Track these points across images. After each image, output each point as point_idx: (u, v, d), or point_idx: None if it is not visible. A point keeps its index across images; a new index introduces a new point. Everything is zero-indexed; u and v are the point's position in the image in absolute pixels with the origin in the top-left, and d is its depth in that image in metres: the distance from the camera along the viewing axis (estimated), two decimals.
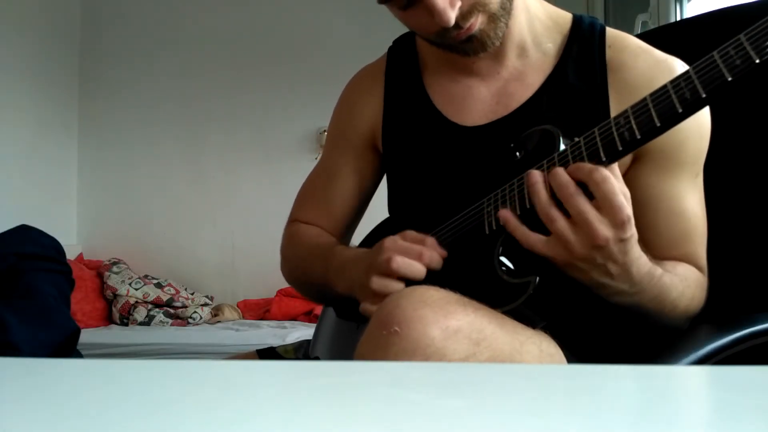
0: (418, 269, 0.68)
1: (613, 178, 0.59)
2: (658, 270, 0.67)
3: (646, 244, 0.74)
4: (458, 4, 0.69)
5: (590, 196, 0.60)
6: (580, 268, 0.62)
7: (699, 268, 0.76)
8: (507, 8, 0.74)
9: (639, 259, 0.63)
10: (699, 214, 0.76)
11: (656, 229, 0.75)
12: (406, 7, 0.72)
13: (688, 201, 0.75)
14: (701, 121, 0.74)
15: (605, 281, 0.63)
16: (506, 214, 0.65)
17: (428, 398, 0.32)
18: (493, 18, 0.73)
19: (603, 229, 0.59)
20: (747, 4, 0.90)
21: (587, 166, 0.60)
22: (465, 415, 0.29)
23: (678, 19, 2.17)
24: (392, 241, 0.71)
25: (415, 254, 0.69)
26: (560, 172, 0.61)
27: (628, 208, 0.59)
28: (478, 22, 0.72)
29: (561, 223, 0.60)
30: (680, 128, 0.70)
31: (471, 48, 0.76)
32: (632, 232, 0.60)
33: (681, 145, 0.73)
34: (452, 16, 0.69)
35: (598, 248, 0.60)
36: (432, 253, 0.69)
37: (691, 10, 2.19)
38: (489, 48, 0.76)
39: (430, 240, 0.71)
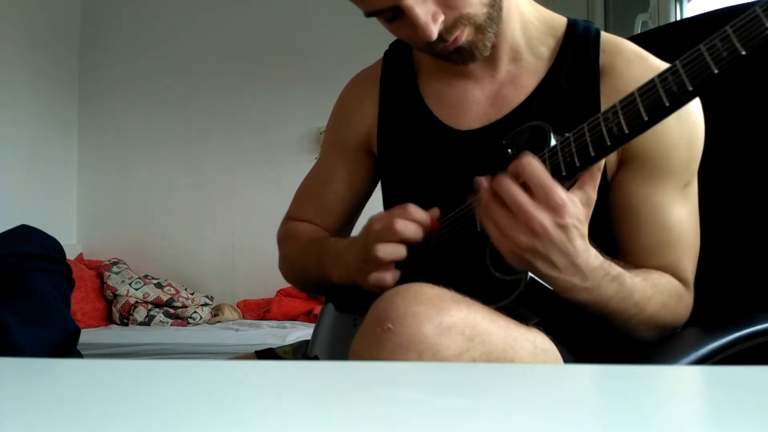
0: (414, 230, 0.70)
1: (539, 164, 0.60)
2: (615, 268, 0.66)
3: (625, 251, 0.74)
4: (441, 17, 0.69)
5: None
6: (523, 259, 0.62)
7: (680, 279, 0.74)
8: (495, 18, 0.73)
9: (586, 251, 0.63)
10: (685, 225, 0.74)
11: (636, 237, 0.74)
12: (392, 20, 0.72)
13: (672, 211, 0.74)
14: (691, 130, 0.74)
15: (553, 274, 0.62)
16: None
17: (426, 398, 0.32)
18: (480, 29, 0.73)
19: (538, 214, 0.59)
20: (747, 4, 0.90)
21: (516, 160, 0.61)
22: (463, 414, 0.29)
23: (678, 19, 2.18)
24: (376, 218, 0.72)
25: (399, 223, 0.70)
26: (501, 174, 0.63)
27: (560, 193, 0.59)
28: (464, 34, 0.72)
29: (498, 211, 0.61)
30: (667, 135, 0.70)
31: (460, 58, 0.76)
32: (572, 221, 0.60)
33: (667, 153, 0.72)
34: (434, 30, 0.69)
35: (537, 235, 0.59)
36: (416, 218, 0.71)
37: (691, 10, 2.19)
38: (478, 58, 0.76)
39: (411, 207, 0.71)
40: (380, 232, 0.70)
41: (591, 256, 0.64)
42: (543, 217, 0.59)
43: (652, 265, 0.73)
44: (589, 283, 0.64)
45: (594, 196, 0.62)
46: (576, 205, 0.61)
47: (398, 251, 0.70)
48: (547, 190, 0.59)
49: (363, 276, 0.72)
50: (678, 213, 0.74)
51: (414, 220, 0.70)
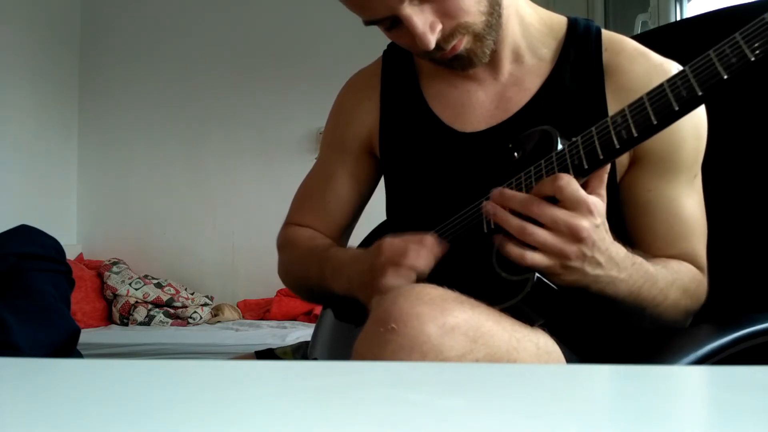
0: (425, 263, 0.69)
1: (573, 180, 0.61)
2: (636, 256, 0.68)
3: (643, 245, 0.75)
4: (439, 27, 0.70)
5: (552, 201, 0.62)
6: (574, 268, 0.62)
7: (697, 265, 0.76)
8: (493, 25, 0.73)
9: (614, 243, 0.65)
10: (697, 214, 0.77)
11: (654, 231, 0.75)
12: (390, 28, 0.73)
13: (686, 203, 0.75)
14: (697, 122, 0.74)
15: (599, 272, 0.64)
16: (501, 240, 0.65)
17: (427, 398, 0.32)
18: (478, 37, 0.73)
19: (581, 220, 0.60)
20: (746, 4, 0.90)
21: (548, 179, 0.62)
22: (464, 415, 0.29)
23: (678, 19, 2.18)
24: (389, 243, 0.70)
25: (413, 252, 0.69)
26: (509, 195, 0.64)
27: (587, 195, 0.61)
28: (463, 42, 0.72)
29: (541, 234, 0.61)
30: (677, 131, 0.70)
31: (459, 65, 0.76)
32: (603, 219, 0.62)
33: (678, 147, 0.74)
34: (432, 39, 0.70)
35: (583, 240, 0.61)
36: (429, 250, 0.70)
37: (691, 10, 2.19)
38: (478, 64, 0.76)
39: (429, 237, 0.70)
40: (391, 261, 0.69)
41: (618, 247, 0.65)
42: (584, 222, 0.60)
43: (668, 255, 0.75)
44: (625, 273, 0.66)
45: (604, 194, 0.64)
46: (598, 203, 0.62)
47: (409, 280, 0.68)
48: (581, 200, 0.61)
49: (365, 296, 0.72)
50: (689, 203, 0.76)
51: (427, 251, 0.69)
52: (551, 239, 0.61)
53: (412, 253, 0.68)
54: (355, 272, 0.75)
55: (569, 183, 0.61)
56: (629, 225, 0.77)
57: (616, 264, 0.64)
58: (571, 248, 0.61)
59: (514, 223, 0.63)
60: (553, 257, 0.61)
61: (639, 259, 0.68)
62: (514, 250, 0.63)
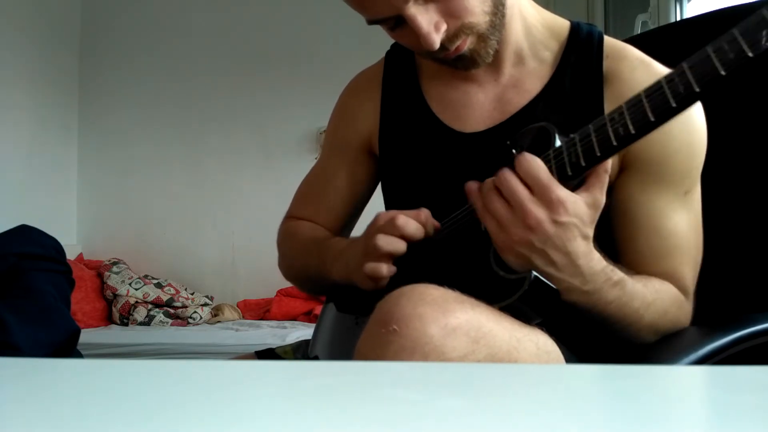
0: (414, 227, 0.70)
1: (537, 160, 0.61)
2: (617, 273, 0.66)
3: (624, 256, 0.74)
4: (443, 27, 0.70)
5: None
6: (520, 254, 0.62)
7: (680, 287, 0.74)
8: (497, 26, 0.73)
9: (589, 254, 0.63)
10: (685, 232, 0.74)
11: (635, 243, 0.74)
12: (394, 28, 0.72)
13: (670, 218, 0.73)
14: (693, 138, 0.73)
15: (550, 271, 0.62)
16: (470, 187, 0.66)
17: (427, 398, 0.32)
18: (482, 38, 0.73)
19: (534, 208, 0.60)
20: (747, 4, 0.90)
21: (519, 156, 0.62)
22: (464, 415, 0.29)
23: (678, 19, 2.18)
24: (383, 213, 0.72)
25: (403, 217, 0.70)
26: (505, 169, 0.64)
27: (558, 190, 0.60)
28: (467, 43, 0.72)
29: (496, 203, 0.62)
30: (669, 143, 0.70)
31: (462, 65, 0.76)
32: (572, 220, 0.60)
33: (668, 159, 0.72)
34: (437, 39, 0.69)
35: (532, 229, 0.60)
36: (417, 216, 0.71)
37: (691, 10, 2.19)
38: (481, 65, 0.76)
39: (424, 211, 0.71)
40: (382, 226, 0.71)
41: (593, 260, 0.64)
42: (539, 212, 0.60)
43: (650, 272, 0.73)
44: (590, 286, 0.64)
45: (602, 198, 0.62)
46: (578, 205, 0.61)
47: (398, 245, 0.70)
48: (543, 187, 0.60)
49: (360, 270, 0.72)
50: (676, 220, 0.74)
51: (418, 220, 0.70)
52: (501, 212, 0.62)
53: (402, 218, 0.69)
54: (352, 255, 0.75)
55: (526, 161, 0.61)
56: (614, 233, 0.76)
57: (580, 274, 0.63)
58: (516, 230, 0.61)
59: (485, 186, 0.64)
60: (500, 233, 0.62)
61: (618, 277, 0.66)
62: (480, 208, 0.64)
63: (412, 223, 0.70)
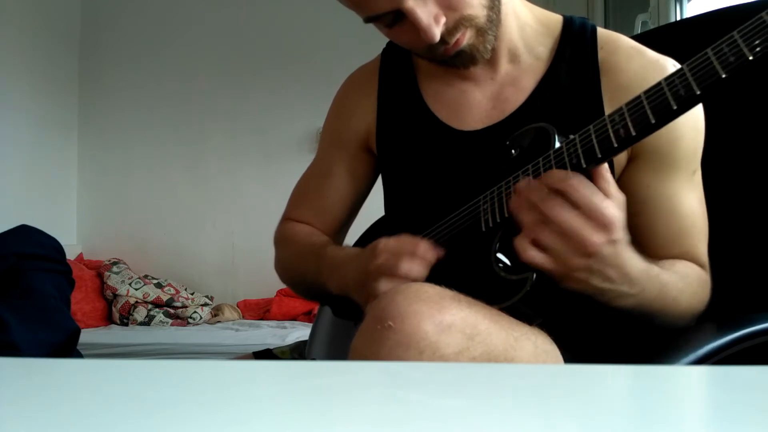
0: (418, 271, 0.68)
1: (587, 181, 0.59)
2: (654, 268, 0.67)
3: (643, 243, 0.73)
4: (443, 19, 0.70)
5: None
6: (578, 279, 0.61)
7: (699, 264, 0.76)
8: (494, 20, 0.73)
9: (632, 258, 0.63)
10: (697, 211, 0.76)
11: (654, 229, 0.75)
12: (392, 24, 0.72)
13: (685, 199, 0.75)
14: (695, 117, 0.74)
15: (606, 286, 0.63)
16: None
17: (426, 398, 0.32)
18: (481, 32, 0.73)
19: (592, 234, 0.59)
20: (746, 3, 0.90)
21: (558, 173, 0.60)
22: (464, 415, 0.29)
23: (678, 19, 2.17)
24: (384, 247, 0.70)
25: (407, 255, 0.68)
26: (533, 185, 0.61)
27: (612, 208, 0.59)
28: (466, 37, 0.72)
29: (550, 238, 0.60)
30: (674, 127, 0.70)
31: (461, 62, 0.76)
32: (621, 234, 0.60)
33: (676, 143, 0.73)
34: (437, 32, 0.69)
35: (592, 255, 0.59)
36: (423, 258, 0.69)
37: (691, 10, 2.19)
38: (479, 61, 0.76)
39: (424, 244, 0.69)
40: (384, 267, 0.68)
41: (637, 262, 0.64)
42: (597, 237, 0.59)
43: (671, 254, 0.74)
44: (637, 288, 0.64)
45: (621, 196, 0.62)
46: (618, 215, 0.60)
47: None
48: (599, 209, 0.59)
49: (360, 297, 0.72)
50: (689, 200, 0.75)
51: (421, 259, 0.68)
52: (559, 246, 0.59)
53: (405, 262, 0.67)
54: (350, 273, 0.75)
55: (581, 184, 0.58)
56: (630, 223, 0.76)
57: (629, 280, 0.63)
58: (578, 261, 0.60)
59: (528, 218, 0.61)
60: (556, 264, 0.60)
61: (656, 271, 0.66)
62: (520, 241, 0.62)
63: (416, 267, 0.68)
